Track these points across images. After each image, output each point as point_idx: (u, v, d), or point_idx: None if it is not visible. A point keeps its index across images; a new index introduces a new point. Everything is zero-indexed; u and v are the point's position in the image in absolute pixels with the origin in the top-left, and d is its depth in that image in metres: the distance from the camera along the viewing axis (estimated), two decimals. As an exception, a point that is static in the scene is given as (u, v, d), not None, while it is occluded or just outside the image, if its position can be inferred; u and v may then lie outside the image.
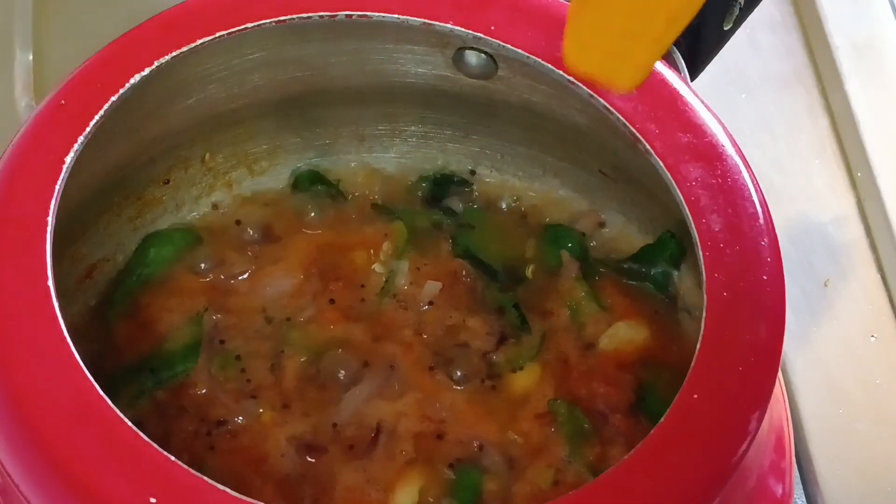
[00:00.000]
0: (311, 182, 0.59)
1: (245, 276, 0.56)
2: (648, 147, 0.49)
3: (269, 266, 0.56)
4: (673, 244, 0.55)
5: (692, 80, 0.57)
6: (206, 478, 0.40)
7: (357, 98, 0.58)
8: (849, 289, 0.70)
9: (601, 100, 0.50)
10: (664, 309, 0.55)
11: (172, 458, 0.41)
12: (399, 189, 0.60)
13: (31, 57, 0.71)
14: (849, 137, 0.75)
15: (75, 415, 0.41)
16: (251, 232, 0.57)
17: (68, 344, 0.42)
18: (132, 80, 0.49)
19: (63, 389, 0.41)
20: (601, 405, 0.52)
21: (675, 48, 0.56)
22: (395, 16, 0.52)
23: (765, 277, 0.46)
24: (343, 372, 0.53)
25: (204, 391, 0.52)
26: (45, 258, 0.44)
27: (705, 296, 0.45)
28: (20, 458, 0.41)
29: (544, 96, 0.54)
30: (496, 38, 0.51)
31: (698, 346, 0.44)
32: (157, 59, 0.49)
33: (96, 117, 0.48)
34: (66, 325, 0.43)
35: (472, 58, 0.54)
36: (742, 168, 0.49)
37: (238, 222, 0.58)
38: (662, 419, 0.43)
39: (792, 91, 0.78)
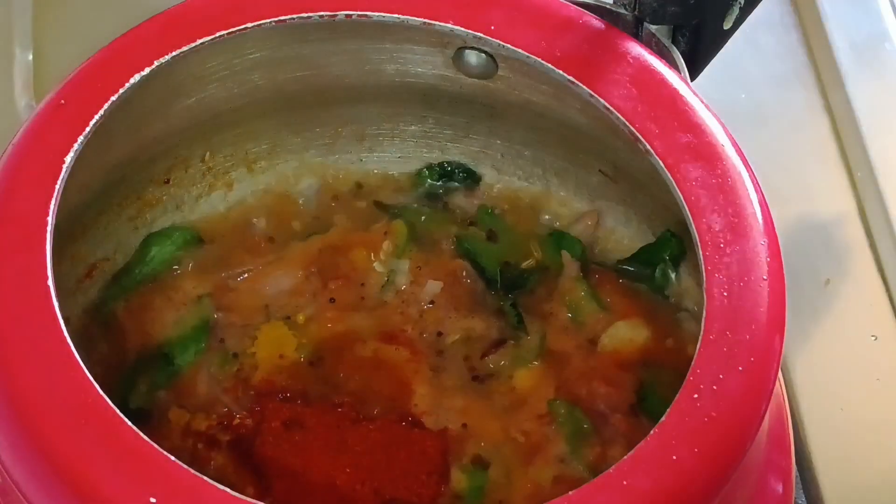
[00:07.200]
0: None
1: (245, 275, 0.56)
2: (648, 147, 0.49)
3: (270, 265, 0.56)
4: (673, 244, 0.55)
5: (692, 80, 0.57)
6: (206, 478, 0.40)
7: (357, 97, 0.58)
8: (849, 289, 0.70)
9: (601, 100, 0.50)
10: (664, 309, 0.55)
11: (172, 458, 0.41)
12: (399, 188, 0.60)
13: (31, 57, 0.72)
14: (849, 137, 0.75)
15: (75, 415, 0.41)
16: (251, 231, 0.57)
17: (68, 344, 0.42)
18: (132, 80, 0.49)
19: (63, 389, 0.41)
20: (601, 405, 0.52)
21: (674, 48, 0.56)
22: (395, 16, 0.52)
23: (765, 277, 0.46)
24: (343, 371, 0.53)
25: (203, 390, 0.52)
26: (45, 258, 0.44)
27: (705, 296, 0.45)
28: (20, 458, 0.41)
29: (544, 96, 0.54)
30: (496, 38, 0.51)
31: (698, 346, 0.44)
32: (157, 58, 0.49)
33: (96, 117, 0.48)
34: (66, 325, 0.43)
35: (472, 57, 0.54)
36: (742, 168, 0.49)
37: (238, 222, 0.58)
38: (662, 419, 0.43)
39: (792, 91, 0.78)
